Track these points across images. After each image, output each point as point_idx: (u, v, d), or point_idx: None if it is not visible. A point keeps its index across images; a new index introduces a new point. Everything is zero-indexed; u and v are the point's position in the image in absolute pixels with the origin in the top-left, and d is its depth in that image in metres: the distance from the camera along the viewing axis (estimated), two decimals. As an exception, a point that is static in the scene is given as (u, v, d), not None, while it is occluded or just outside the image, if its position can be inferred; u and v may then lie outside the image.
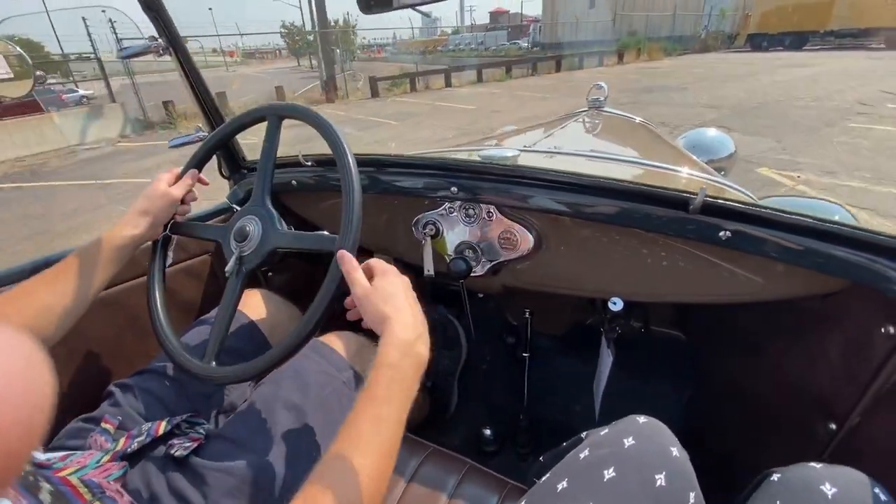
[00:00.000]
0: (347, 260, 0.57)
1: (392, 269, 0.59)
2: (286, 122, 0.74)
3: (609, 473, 0.49)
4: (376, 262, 0.60)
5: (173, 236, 0.79)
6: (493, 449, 1.19)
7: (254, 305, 0.89)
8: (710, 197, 0.64)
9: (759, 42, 21.24)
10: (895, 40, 17.53)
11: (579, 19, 25.67)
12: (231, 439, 0.63)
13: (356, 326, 0.64)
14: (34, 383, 0.20)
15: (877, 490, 0.44)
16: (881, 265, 0.56)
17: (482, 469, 0.72)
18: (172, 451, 0.60)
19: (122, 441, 0.60)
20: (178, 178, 0.78)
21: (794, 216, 0.61)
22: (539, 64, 15.89)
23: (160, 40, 0.90)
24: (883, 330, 0.59)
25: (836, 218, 0.62)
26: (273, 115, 0.73)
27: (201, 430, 0.65)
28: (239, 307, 0.86)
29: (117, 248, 0.70)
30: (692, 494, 0.48)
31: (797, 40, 20.21)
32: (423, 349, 0.53)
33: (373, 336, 0.57)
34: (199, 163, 0.81)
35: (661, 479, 0.47)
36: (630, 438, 0.52)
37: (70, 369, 0.82)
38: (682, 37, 24.66)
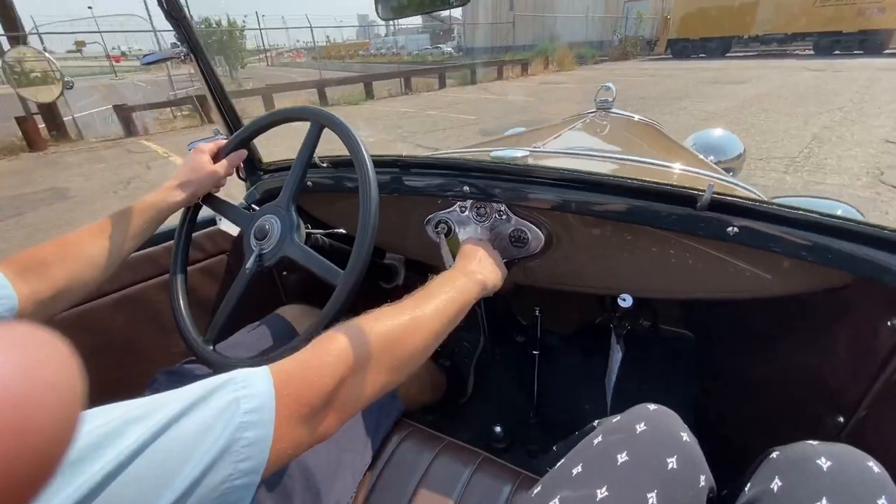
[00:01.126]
0: None
1: (480, 245, 0.80)
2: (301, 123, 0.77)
3: (622, 457, 0.50)
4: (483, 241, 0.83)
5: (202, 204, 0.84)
6: (503, 446, 1.20)
7: (294, 316, 0.93)
8: (717, 194, 0.65)
9: (681, 48, 19.89)
10: (823, 46, 16.46)
11: (496, 22, 22.90)
12: None
13: None
14: (65, 383, 0.19)
15: (870, 464, 0.45)
16: (886, 259, 0.57)
17: (495, 460, 0.74)
18: None
19: None
20: (220, 151, 0.83)
21: (800, 212, 0.63)
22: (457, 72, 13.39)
23: (182, 48, 0.93)
24: (889, 323, 0.60)
25: (842, 213, 0.63)
26: (315, 122, 0.76)
27: None
28: (281, 315, 0.92)
29: (155, 213, 0.74)
30: (703, 477, 0.50)
31: (720, 46, 19.02)
32: (478, 276, 0.70)
33: None
34: (235, 148, 0.84)
35: (672, 463, 0.49)
36: (642, 424, 0.53)
37: (108, 362, 0.87)
38: (601, 42, 22.91)
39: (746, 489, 0.49)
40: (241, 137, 0.84)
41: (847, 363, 0.68)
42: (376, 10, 0.69)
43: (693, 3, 18.69)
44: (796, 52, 17.97)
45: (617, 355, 1.09)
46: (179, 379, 0.75)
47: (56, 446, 0.18)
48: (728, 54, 18.97)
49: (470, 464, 0.72)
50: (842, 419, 0.68)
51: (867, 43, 15.44)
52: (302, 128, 0.78)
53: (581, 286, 0.90)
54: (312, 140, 0.77)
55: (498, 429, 1.21)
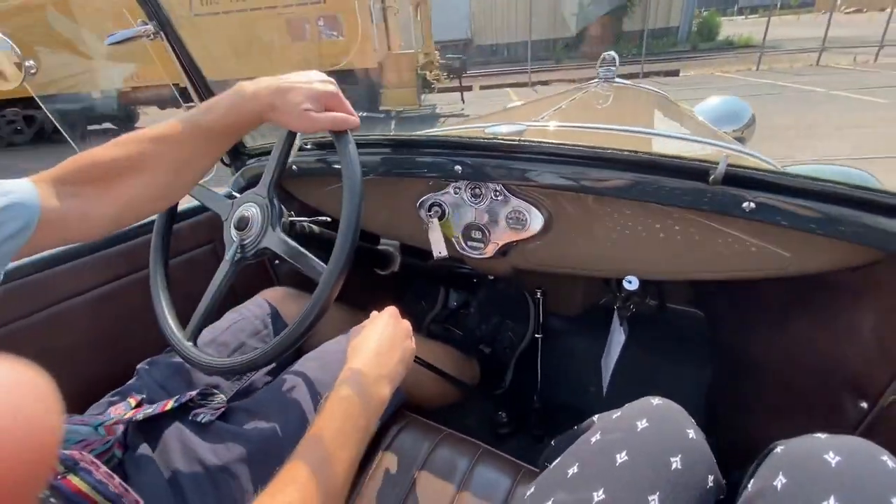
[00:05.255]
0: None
1: (387, 314, 0.67)
2: None
3: (621, 458, 0.47)
4: (386, 309, 0.69)
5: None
6: (507, 431, 1.18)
7: (278, 300, 0.91)
8: (731, 166, 0.60)
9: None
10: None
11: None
12: (251, 411, 0.66)
13: None
14: (42, 418, 0.18)
15: (884, 458, 0.41)
16: None
17: (495, 453, 0.71)
18: (198, 419, 0.62)
19: (129, 412, 0.61)
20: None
21: (823, 183, 0.57)
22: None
23: (150, 24, 0.87)
24: None
25: (864, 184, 0.57)
26: None
27: (221, 398, 0.68)
28: (265, 299, 0.89)
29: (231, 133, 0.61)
30: (711, 478, 0.46)
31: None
32: (383, 389, 0.56)
33: None
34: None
35: (676, 462, 0.45)
36: (643, 421, 0.50)
37: (98, 351, 0.85)
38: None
39: (750, 485, 0.46)
40: None
41: (872, 346, 0.63)
42: None
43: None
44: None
45: (619, 337, 1.05)
46: (162, 369, 0.73)
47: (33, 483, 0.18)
48: None
49: (469, 455, 0.69)
50: (865, 405, 0.64)
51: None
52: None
53: (584, 269, 0.85)
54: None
55: (502, 414, 1.18)
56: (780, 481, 0.42)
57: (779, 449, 0.46)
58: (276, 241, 0.66)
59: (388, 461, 0.69)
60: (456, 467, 0.68)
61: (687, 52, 14.72)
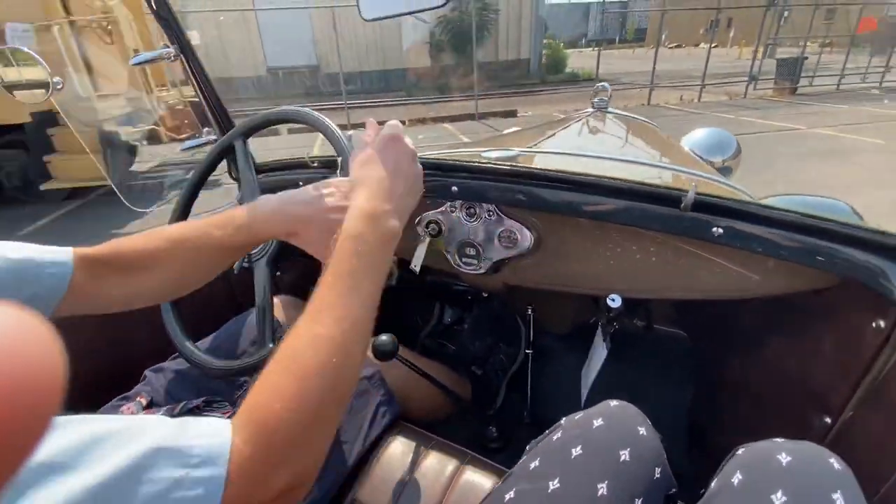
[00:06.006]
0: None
1: (388, 137, 0.56)
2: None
3: (576, 451, 0.52)
4: (387, 127, 0.58)
5: None
6: (496, 446, 1.20)
7: (279, 308, 0.94)
8: (701, 194, 0.65)
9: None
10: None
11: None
12: None
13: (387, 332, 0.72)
14: (43, 362, 0.17)
15: (831, 460, 0.46)
16: (869, 261, 0.57)
17: (482, 459, 0.74)
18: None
19: (141, 413, 0.65)
20: None
21: (783, 212, 0.63)
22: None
23: (172, 48, 0.93)
24: (874, 324, 0.60)
25: (839, 215, 0.63)
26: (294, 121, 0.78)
27: (226, 405, 0.70)
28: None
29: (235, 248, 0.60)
30: (658, 470, 0.51)
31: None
32: (391, 222, 0.50)
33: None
34: (210, 165, 0.84)
35: (625, 455, 0.50)
36: (599, 419, 0.55)
37: (106, 356, 0.88)
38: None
39: (713, 484, 0.51)
40: (234, 138, 0.84)
41: (833, 364, 0.68)
42: (358, 10, 0.68)
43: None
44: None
45: (601, 352, 1.09)
46: (168, 376, 0.77)
47: (27, 437, 0.17)
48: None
49: (456, 461, 0.73)
50: (828, 420, 0.68)
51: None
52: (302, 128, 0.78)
53: (570, 286, 0.90)
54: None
55: (492, 429, 1.21)
56: (737, 478, 0.47)
57: (740, 451, 0.51)
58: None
59: (380, 467, 0.72)
60: (443, 471, 0.71)
61: (536, 84, 14.10)
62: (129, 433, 0.29)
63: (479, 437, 1.20)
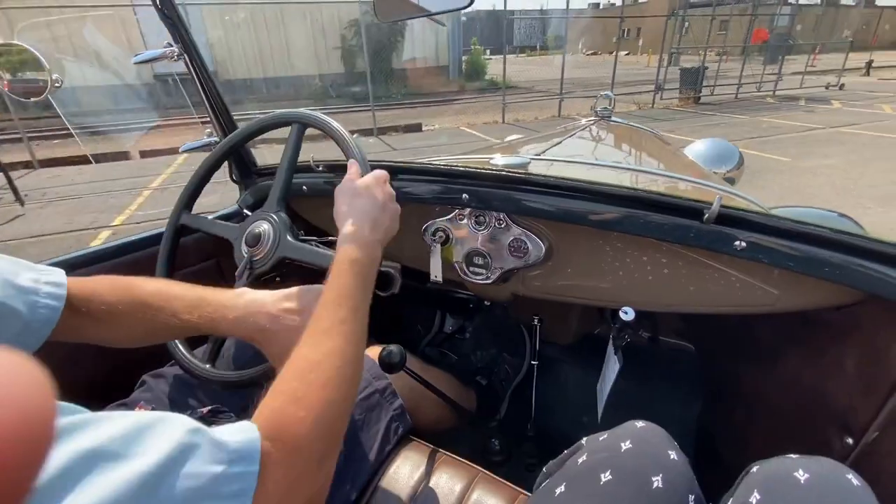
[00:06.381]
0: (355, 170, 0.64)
1: (380, 176, 0.64)
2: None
3: (605, 477, 0.49)
4: (376, 171, 0.65)
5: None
6: (499, 459, 1.18)
7: None
8: (725, 206, 0.64)
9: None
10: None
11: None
12: None
13: (390, 341, 0.72)
14: (37, 405, 0.18)
15: (849, 476, 0.45)
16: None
17: (492, 477, 0.71)
18: None
19: None
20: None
21: (810, 226, 0.61)
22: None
23: (175, 47, 0.91)
24: None
25: (846, 229, 0.62)
26: (297, 123, 0.74)
27: (231, 415, 0.69)
28: None
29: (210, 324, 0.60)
30: (691, 497, 0.49)
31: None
32: (378, 251, 0.59)
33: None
34: (212, 167, 0.81)
35: (657, 482, 0.48)
36: (627, 442, 0.52)
37: (100, 360, 0.84)
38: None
39: (730, 503, 0.49)
40: (236, 140, 0.82)
41: (857, 383, 0.66)
42: (374, 12, 0.66)
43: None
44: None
45: (614, 366, 1.07)
46: (169, 381, 0.75)
47: (23, 474, 0.17)
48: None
49: (467, 480, 0.70)
50: (850, 441, 0.66)
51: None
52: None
53: (582, 298, 0.88)
54: (294, 140, 0.75)
55: (495, 442, 1.18)
56: (755, 497, 0.45)
57: (755, 469, 0.50)
58: (290, 247, 0.69)
59: (388, 483, 0.70)
60: (453, 491, 0.68)
61: (456, 92, 13.36)
62: (169, 422, 0.29)
63: (482, 450, 1.17)
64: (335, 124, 0.72)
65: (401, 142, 7.50)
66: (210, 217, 1.04)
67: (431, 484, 0.69)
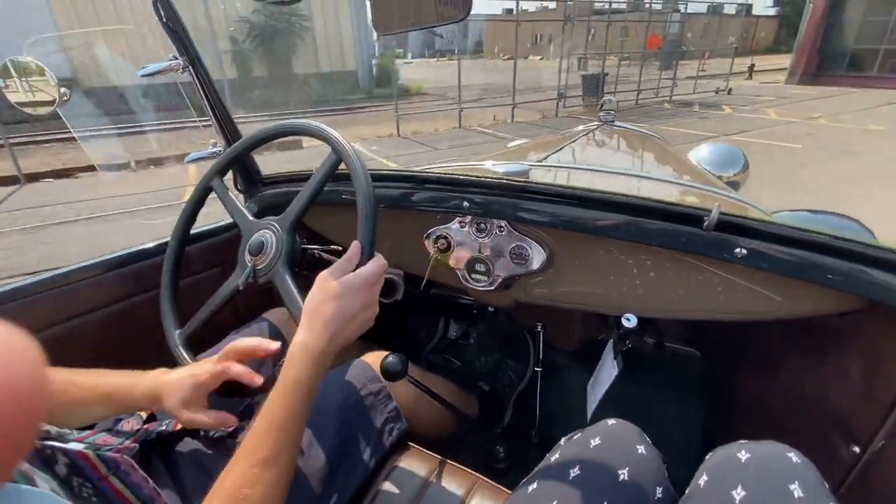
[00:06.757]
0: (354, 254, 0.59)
1: (366, 277, 0.57)
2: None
3: (574, 472, 0.51)
4: (373, 262, 0.61)
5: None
6: (503, 466, 1.17)
7: (281, 321, 0.91)
8: (724, 213, 0.63)
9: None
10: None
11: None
12: None
13: (393, 347, 0.72)
14: (25, 373, 0.19)
15: (790, 454, 0.46)
16: None
17: (493, 485, 0.71)
18: (210, 434, 0.64)
19: (143, 429, 0.63)
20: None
21: (811, 233, 0.61)
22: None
23: (181, 59, 0.93)
24: None
25: (852, 233, 0.61)
26: (333, 153, 0.72)
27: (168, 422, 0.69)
28: (267, 321, 0.91)
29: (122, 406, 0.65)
30: (659, 489, 0.50)
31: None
32: (329, 362, 0.53)
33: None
34: (217, 173, 0.82)
35: (623, 475, 0.50)
36: (597, 439, 0.55)
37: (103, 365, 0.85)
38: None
39: (686, 492, 0.51)
40: (239, 150, 0.83)
41: (862, 391, 0.65)
42: (373, 25, 0.67)
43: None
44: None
45: (611, 370, 1.06)
46: None
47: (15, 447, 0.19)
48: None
49: (466, 487, 0.70)
50: (857, 449, 0.65)
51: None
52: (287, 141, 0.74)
53: (583, 305, 0.88)
54: (326, 172, 0.72)
55: (499, 449, 1.18)
56: (703, 480, 0.48)
57: (708, 456, 0.52)
58: (280, 279, 0.67)
59: (387, 489, 0.70)
60: (452, 498, 0.68)
61: (364, 99, 12.41)
62: None
63: (486, 457, 1.17)
64: (337, 135, 0.72)
65: (282, 161, 5.33)
66: (214, 226, 1.06)
67: (429, 491, 0.69)
